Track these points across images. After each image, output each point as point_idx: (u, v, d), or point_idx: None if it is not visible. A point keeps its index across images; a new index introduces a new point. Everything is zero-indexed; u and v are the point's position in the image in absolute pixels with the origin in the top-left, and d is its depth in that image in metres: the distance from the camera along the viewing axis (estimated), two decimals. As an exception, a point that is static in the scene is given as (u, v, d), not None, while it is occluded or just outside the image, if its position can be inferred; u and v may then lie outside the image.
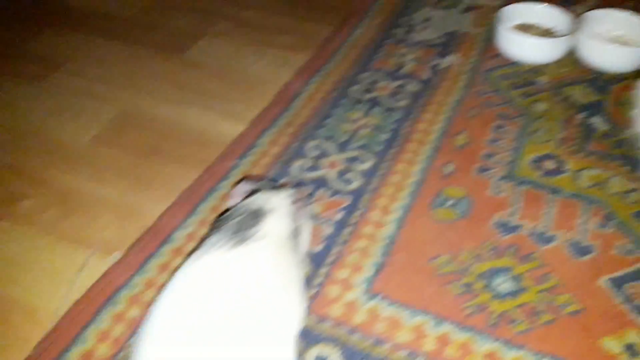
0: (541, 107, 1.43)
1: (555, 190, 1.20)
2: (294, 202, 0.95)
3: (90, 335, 0.94)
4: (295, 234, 0.91)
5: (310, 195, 0.97)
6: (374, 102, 1.47)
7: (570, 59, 1.60)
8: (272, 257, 0.82)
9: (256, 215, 0.87)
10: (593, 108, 1.43)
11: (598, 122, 1.38)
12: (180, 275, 0.78)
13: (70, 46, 1.70)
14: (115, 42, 1.72)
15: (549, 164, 1.26)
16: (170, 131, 1.38)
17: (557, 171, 1.25)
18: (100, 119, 1.41)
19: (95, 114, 1.43)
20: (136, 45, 1.70)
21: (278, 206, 0.91)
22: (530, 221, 1.13)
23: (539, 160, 1.28)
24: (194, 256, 0.81)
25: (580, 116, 1.40)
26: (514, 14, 1.69)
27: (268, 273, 0.80)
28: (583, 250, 1.07)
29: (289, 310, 0.80)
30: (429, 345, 0.93)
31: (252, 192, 0.96)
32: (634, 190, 1.19)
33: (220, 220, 0.90)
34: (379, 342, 0.92)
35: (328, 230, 1.12)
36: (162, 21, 1.84)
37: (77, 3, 1.95)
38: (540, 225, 1.12)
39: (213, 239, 0.82)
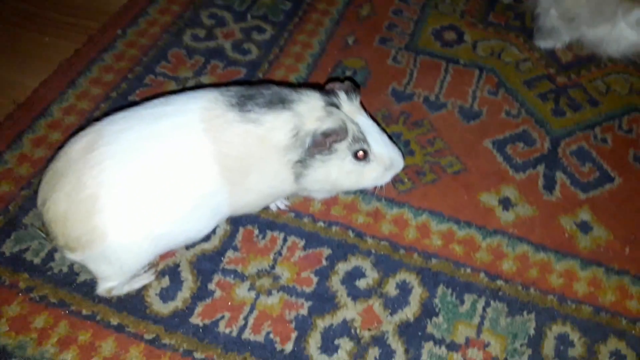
0: (448, -22, 1.39)
1: (451, 60, 1.19)
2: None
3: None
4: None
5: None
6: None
7: None
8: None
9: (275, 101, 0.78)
10: (499, -20, 1.40)
11: (502, -5, 1.37)
12: None
13: None
14: None
15: (449, 35, 1.25)
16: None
17: (456, 42, 1.24)
18: None
19: None
20: None
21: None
22: (424, 89, 1.13)
23: (440, 31, 1.26)
24: None
25: (486, -12, 1.38)
26: None
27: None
28: (471, 115, 1.09)
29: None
30: (315, 206, 0.94)
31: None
32: (526, 59, 1.21)
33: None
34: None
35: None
36: None
37: None
38: (433, 94, 1.12)
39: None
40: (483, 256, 0.89)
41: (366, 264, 0.87)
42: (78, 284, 0.83)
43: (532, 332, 0.81)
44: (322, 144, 0.76)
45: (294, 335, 0.79)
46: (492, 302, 0.84)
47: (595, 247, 0.91)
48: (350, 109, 0.81)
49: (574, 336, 0.81)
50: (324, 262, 0.87)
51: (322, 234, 0.90)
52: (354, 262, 0.87)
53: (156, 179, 0.73)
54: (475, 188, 0.98)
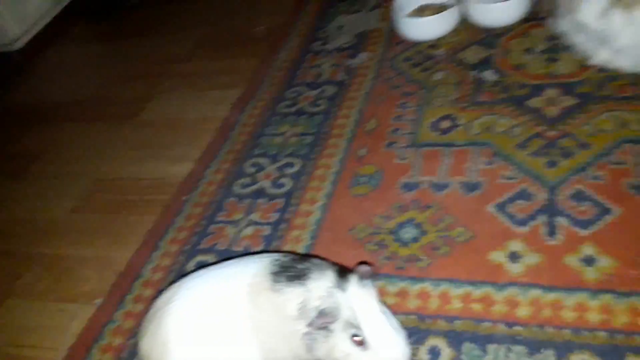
0: (438, 76, 1.62)
1: (449, 144, 1.38)
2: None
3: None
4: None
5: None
6: (299, 113, 1.69)
7: (464, 25, 1.79)
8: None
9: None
10: (484, 64, 1.61)
11: (488, 75, 1.56)
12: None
13: (41, 138, 1.98)
14: (78, 124, 1.99)
15: (445, 124, 1.45)
16: (131, 186, 1.63)
17: (451, 128, 1.43)
18: (75, 192, 1.67)
19: (70, 189, 1.69)
20: (96, 121, 1.97)
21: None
22: (429, 176, 1.32)
23: (436, 123, 1.46)
24: None
25: (472, 74, 1.59)
26: (409, 2, 1.88)
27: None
28: (472, 187, 1.25)
29: None
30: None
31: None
32: (517, 125, 1.37)
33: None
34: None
35: (266, 232, 1.33)
36: (114, 95, 2.10)
37: (34, 100, 2.25)
38: (436, 178, 1.31)
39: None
40: (499, 308, 1.01)
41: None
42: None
43: (552, 366, 0.91)
44: (315, 322, 0.86)
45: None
46: (512, 347, 0.95)
47: (602, 276, 1.00)
48: (358, 293, 0.87)
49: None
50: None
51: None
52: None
53: (210, 329, 0.94)
54: (485, 250, 1.12)
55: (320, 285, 0.89)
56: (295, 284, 0.91)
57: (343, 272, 0.91)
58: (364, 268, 0.90)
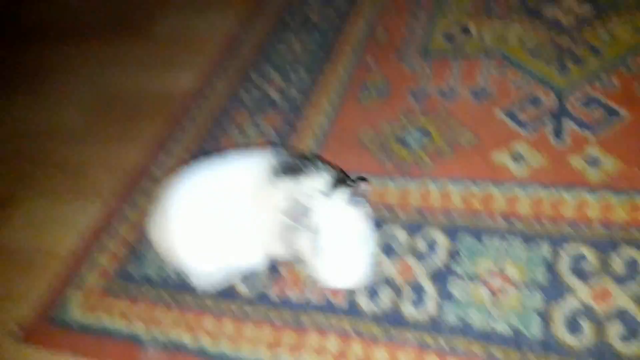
0: (451, -15, 1.57)
1: (460, 54, 1.36)
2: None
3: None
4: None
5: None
6: (307, 24, 1.65)
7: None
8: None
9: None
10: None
11: (504, -16, 1.51)
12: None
13: (51, 54, 1.99)
14: (85, 39, 2.00)
15: (457, 33, 1.42)
16: (141, 98, 1.65)
17: (463, 36, 1.40)
18: (86, 103, 1.70)
19: (82, 101, 1.72)
20: (103, 37, 1.97)
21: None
22: (438, 85, 1.30)
23: (448, 32, 1.43)
24: None
25: (488, -17, 1.53)
26: None
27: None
28: (481, 94, 1.24)
29: None
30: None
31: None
32: (530, 34, 1.33)
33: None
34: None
35: (273, 140, 1.35)
36: (121, 11, 2.08)
37: (40, 19, 2.24)
38: (446, 86, 1.29)
39: None
40: (500, 205, 1.02)
41: (398, 231, 1.05)
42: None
43: (547, 256, 0.93)
44: (288, 213, 0.89)
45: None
46: (509, 239, 0.97)
47: (606, 177, 1.00)
48: (339, 205, 0.88)
49: (588, 253, 0.91)
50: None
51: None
52: (388, 231, 1.06)
53: (215, 220, 0.98)
54: (489, 151, 1.12)
55: (310, 184, 0.91)
56: (289, 179, 0.93)
57: (341, 181, 0.92)
58: (362, 186, 0.90)
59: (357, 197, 0.90)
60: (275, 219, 0.94)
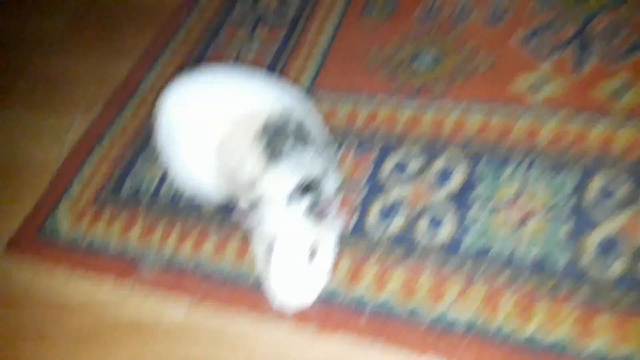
0: None
1: (475, -26, 1.25)
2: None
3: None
4: None
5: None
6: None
7: None
8: None
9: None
10: None
11: None
12: None
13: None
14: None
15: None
16: (127, 7, 1.50)
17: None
18: (68, 8, 1.55)
19: (62, 5, 1.56)
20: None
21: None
22: (449, 6, 1.20)
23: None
24: None
25: None
26: None
27: None
28: (497, 17, 1.15)
29: None
30: (359, 120, 1.05)
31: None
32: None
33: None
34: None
35: (267, 60, 1.23)
36: None
37: None
38: (458, 7, 1.19)
39: None
40: (519, 133, 0.95)
41: (412, 153, 0.98)
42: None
43: (573, 185, 0.87)
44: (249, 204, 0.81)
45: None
46: (531, 167, 0.90)
47: (631, 107, 0.94)
48: (297, 218, 0.78)
49: (617, 182, 0.85)
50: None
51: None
52: (400, 154, 0.99)
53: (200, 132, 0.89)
54: (506, 78, 1.04)
55: (278, 183, 0.79)
56: (266, 157, 0.82)
57: (308, 188, 0.79)
58: (329, 200, 0.80)
59: (322, 209, 0.79)
60: (234, 175, 0.85)
